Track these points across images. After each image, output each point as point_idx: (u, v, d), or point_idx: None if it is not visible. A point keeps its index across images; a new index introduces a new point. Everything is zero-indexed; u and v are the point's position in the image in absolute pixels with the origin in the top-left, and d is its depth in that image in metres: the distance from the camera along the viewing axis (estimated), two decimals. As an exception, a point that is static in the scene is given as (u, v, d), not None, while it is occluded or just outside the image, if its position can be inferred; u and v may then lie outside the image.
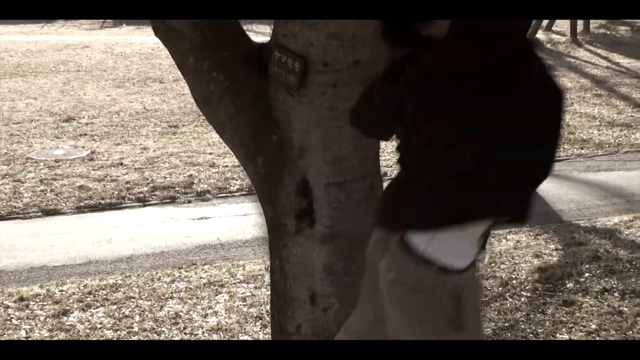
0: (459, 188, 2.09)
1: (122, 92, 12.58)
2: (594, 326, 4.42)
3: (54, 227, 6.86)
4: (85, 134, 10.03)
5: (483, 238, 2.23)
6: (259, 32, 14.71)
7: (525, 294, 5.05)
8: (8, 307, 5.18)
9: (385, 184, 2.64)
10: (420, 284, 2.14)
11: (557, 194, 7.17)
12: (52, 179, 8.04)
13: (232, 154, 2.63)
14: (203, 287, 5.46)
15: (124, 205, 7.42)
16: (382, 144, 3.07)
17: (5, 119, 10.80)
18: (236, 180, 7.94)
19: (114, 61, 15.27)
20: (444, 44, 2.06)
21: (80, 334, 4.76)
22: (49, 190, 7.70)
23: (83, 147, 9.34)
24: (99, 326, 4.86)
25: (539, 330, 4.39)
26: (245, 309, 5.03)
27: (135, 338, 4.68)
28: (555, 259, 5.65)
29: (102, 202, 7.44)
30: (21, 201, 7.42)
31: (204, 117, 2.55)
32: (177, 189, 7.80)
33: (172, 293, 5.37)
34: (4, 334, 4.80)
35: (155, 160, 8.77)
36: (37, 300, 5.29)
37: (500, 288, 5.13)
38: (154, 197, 7.61)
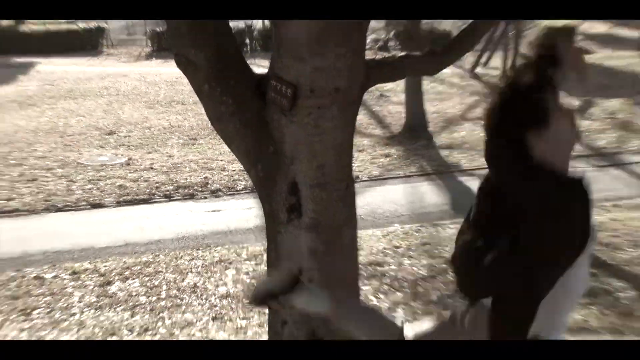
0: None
1: (152, 112, 12.53)
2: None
3: (99, 217, 6.85)
4: (124, 145, 9.99)
5: None
6: (260, 65, 14.67)
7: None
8: (64, 278, 5.22)
9: (356, 186, 2.64)
10: None
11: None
12: (98, 179, 8.04)
13: (239, 161, 2.61)
14: (215, 263, 5.46)
15: (153, 200, 7.40)
16: (354, 154, 2.99)
17: (61, 132, 10.76)
18: (242, 181, 7.93)
19: (146, 87, 15.20)
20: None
21: (120, 299, 4.75)
22: (95, 189, 7.68)
23: (122, 155, 9.31)
24: (134, 294, 4.85)
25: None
26: (248, 281, 5.04)
27: (163, 303, 4.67)
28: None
29: (137, 197, 7.42)
30: (73, 197, 7.40)
31: (216, 132, 2.53)
32: (195, 187, 7.79)
33: (191, 268, 5.37)
34: (62, 298, 4.83)
35: (179, 165, 8.76)
36: (87, 273, 5.30)
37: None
38: (177, 194, 7.60)
